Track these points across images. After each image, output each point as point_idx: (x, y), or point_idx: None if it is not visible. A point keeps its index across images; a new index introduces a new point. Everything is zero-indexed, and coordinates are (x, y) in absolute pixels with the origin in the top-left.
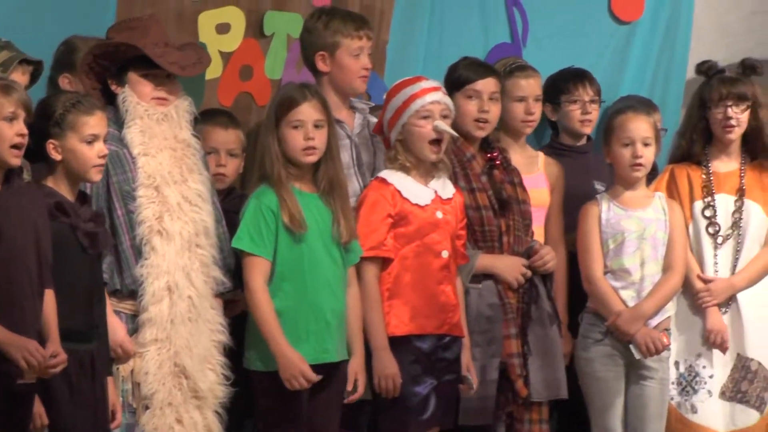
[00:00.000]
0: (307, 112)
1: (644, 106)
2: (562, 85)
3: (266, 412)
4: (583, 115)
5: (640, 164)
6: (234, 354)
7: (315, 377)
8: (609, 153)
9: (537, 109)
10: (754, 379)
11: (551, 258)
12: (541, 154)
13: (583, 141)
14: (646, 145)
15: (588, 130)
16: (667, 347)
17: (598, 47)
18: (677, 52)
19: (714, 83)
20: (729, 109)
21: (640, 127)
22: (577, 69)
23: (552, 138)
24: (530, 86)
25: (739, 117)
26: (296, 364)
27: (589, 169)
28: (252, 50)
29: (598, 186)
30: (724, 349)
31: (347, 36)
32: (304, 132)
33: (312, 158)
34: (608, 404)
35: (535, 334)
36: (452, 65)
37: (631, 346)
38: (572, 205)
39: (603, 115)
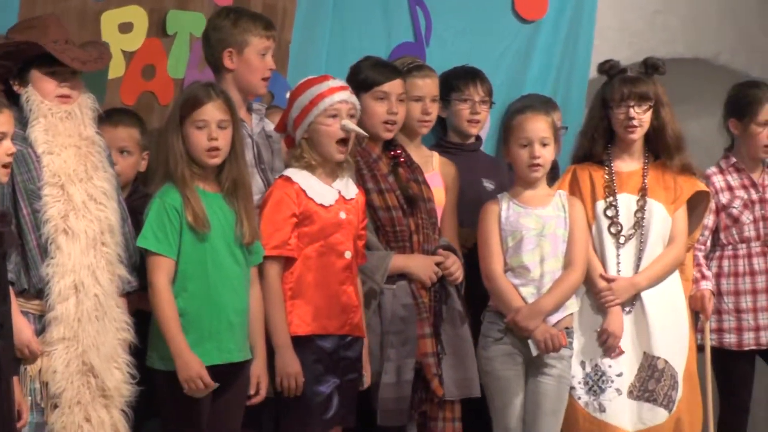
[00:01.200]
0: (212, 112)
1: (543, 105)
2: (454, 83)
3: (168, 412)
4: (471, 114)
5: (538, 164)
6: (139, 352)
7: (213, 384)
8: (508, 153)
9: (434, 109)
10: (661, 378)
11: (458, 268)
12: (435, 154)
13: (472, 139)
14: (544, 145)
15: (475, 130)
16: (565, 347)
17: (502, 46)
18: (580, 51)
19: (616, 83)
20: (631, 110)
21: (537, 127)
22: (470, 68)
23: (440, 136)
24: (427, 86)
25: (641, 117)
26: (194, 368)
27: (478, 167)
28: (155, 49)
29: (487, 184)
30: (612, 352)
31: (256, 35)
32: (208, 132)
33: (216, 160)
34: (507, 403)
35: (447, 333)
36: (355, 65)
37: (530, 342)
38: (461, 204)
39: (505, 114)
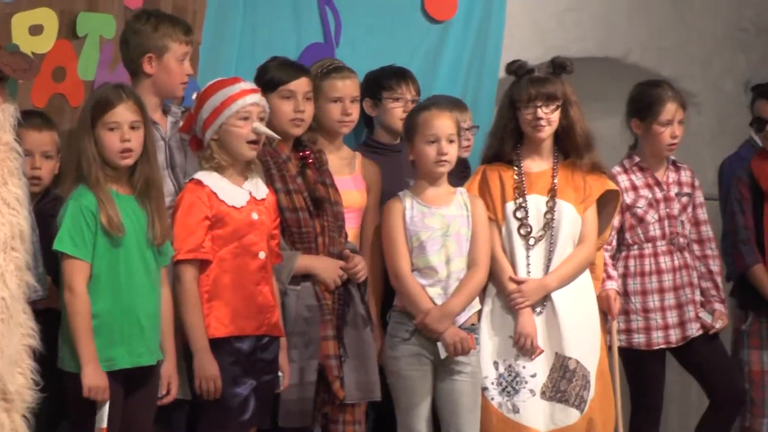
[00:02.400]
0: (123, 113)
1: (447, 102)
2: (385, 82)
3: (79, 414)
4: (405, 113)
5: (445, 161)
6: (45, 359)
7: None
8: (412, 150)
9: (354, 110)
10: (573, 378)
11: (362, 267)
12: (358, 155)
13: (398, 140)
14: (450, 141)
15: None
16: (473, 349)
17: (412, 46)
18: (490, 51)
19: (523, 83)
20: (539, 110)
21: (444, 124)
22: (398, 67)
23: (367, 136)
24: (346, 87)
25: (549, 117)
26: (103, 380)
27: (403, 167)
28: (65, 51)
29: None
30: (531, 353)
31: (176, 40)
32: (120, 134)
33: (128, 161)
34: (413, 404)
35: (349, 336)
36: (262, 66)
37: (438, 344)
38: None
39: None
